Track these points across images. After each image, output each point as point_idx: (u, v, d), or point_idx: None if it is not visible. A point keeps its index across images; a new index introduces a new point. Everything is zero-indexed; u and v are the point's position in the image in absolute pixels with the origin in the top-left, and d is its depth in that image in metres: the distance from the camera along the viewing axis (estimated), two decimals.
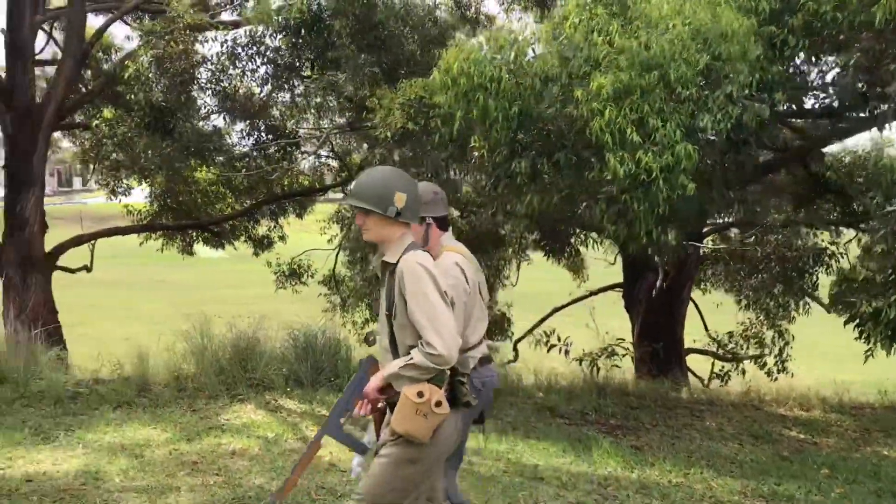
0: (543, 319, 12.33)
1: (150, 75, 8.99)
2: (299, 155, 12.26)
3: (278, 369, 7.59)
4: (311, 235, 15.25)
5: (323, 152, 13.03)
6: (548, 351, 8.98)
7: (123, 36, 12.24)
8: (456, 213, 9.47)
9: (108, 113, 10.85)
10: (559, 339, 8.91)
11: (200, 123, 9.66)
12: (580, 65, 5.51)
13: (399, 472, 2.75)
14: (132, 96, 9.12)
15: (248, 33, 8.97)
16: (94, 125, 10.73)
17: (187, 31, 8.78)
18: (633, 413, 7.77)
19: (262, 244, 14.37)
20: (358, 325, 14.16)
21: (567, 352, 8.77)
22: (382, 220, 2.82)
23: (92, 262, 12.10)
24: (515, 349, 12.93)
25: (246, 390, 7.24)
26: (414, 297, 2.68)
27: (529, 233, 9.18)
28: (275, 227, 14.16)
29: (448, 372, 2.73)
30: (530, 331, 12.47)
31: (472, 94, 5.56)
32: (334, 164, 13.34)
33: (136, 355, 7.58)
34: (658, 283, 10.92)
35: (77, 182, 64.49)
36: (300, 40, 8.90)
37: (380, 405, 2.88)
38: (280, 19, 8.82)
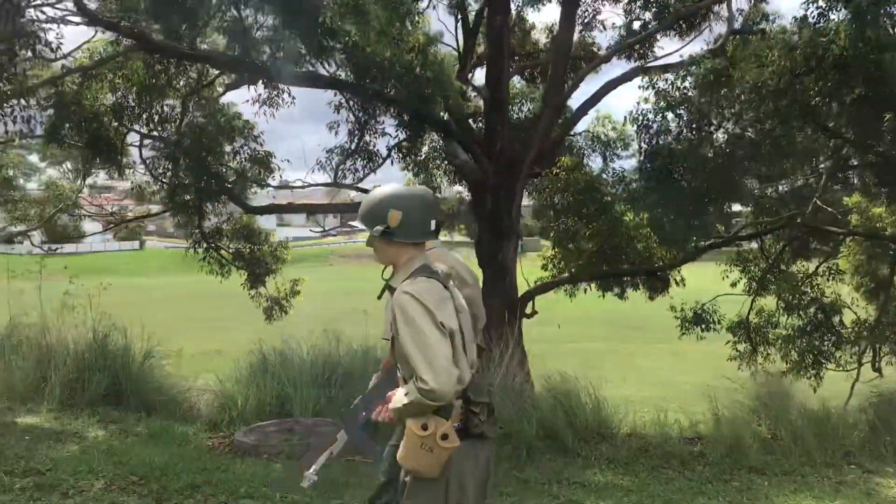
0: None
1: (657, 124, 8.80)
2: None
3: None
4: (706, 279, 14.54)
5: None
6: None
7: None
8: None
9: (566, 160, 10.91)
10: None
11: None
12: None
13: None
14: (640, 144, 9.00)
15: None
16: (553, 172, 10.82)
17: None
18: None
19: (656, 287, 13.87)
20: (776, 377, 13.16)
21: None
22: (384, 241, 2.68)
23: (533, 306, 12.23)
24: None
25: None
26: (404, 329, 2.50)
27: None
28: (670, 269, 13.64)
29: (459, 401, 2.55)
30: None
31: None
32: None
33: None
34: None
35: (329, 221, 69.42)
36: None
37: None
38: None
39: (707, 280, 14.55)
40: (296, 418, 6.72)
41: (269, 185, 11.43)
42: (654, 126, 8.88)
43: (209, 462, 5.57)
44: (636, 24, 12.52)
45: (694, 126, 8.71)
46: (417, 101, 8.50)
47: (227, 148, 11.05)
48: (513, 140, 10.52)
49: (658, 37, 13.91)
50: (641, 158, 9.07)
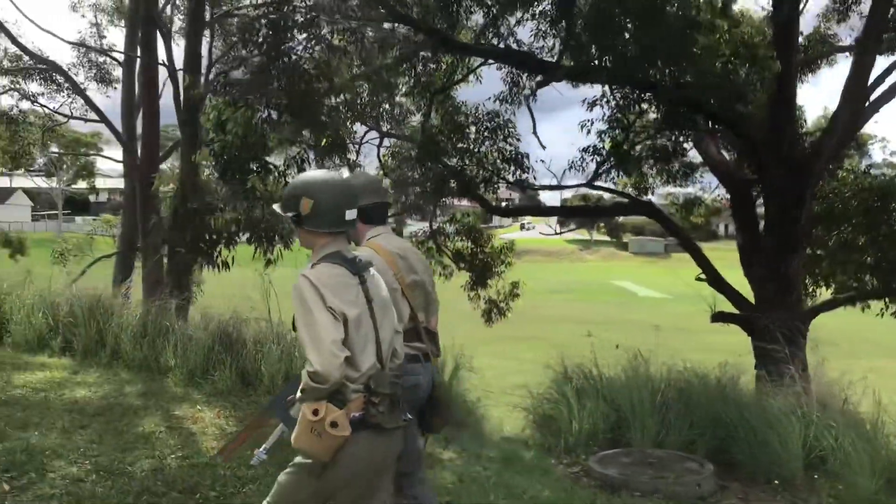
0: None
1: None
2: None
3: None
4: None
5: None
6: None
7: None
8: None
9: (853, 162, 9.79)
10: None
11: None
12: None
13: (302, 483, 2.64)
14: None
15: None
16: (838, 176, 9.74)
17: None
18: None
19: None
20: None
21: None
22: (299, 227, 2.74)
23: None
24: None
25: None
26: (298, 312, 2.57)
27: None
28: None
29: (358, 389, 2.56)
30: None
31: None
32: None
33: None
34: None
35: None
36: None
37: None
38: None
39: None
40: (640, 448, 6.10)
41: (532, 187, 10.93)
42: None
43: (599, 499, 5.05)
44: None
45: None
46: (729, 98, 7.70)
47: (482, 147, 10.64)
48: (800, 140, 9.54)
49: None
50: None
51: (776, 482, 5.61)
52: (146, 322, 8.25)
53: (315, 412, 2.48)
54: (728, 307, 10.36)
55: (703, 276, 9.83)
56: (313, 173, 2.86)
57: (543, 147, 10.50)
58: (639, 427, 6.25)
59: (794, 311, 9.29)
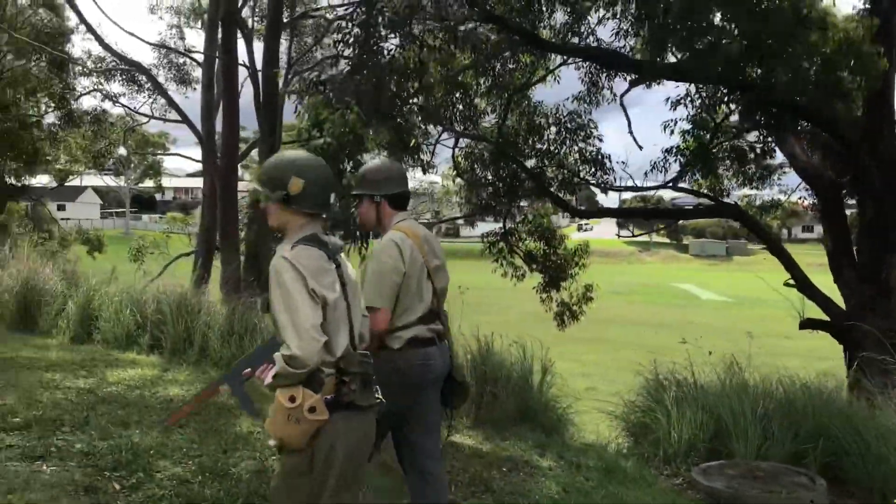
0: None
1: None
2: None
3: None
4: None
5: None
6: None
7: None
8: None
9: None
10: None
11: None
12: None
13: (293, 486, 2.60)
14: None
15: None
16: None
17: None
18: None
19: None
20: None
21: None
22: (280, 206, 2.69)
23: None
24: None
25: None
26: (276, 293, 2.52)
27: None
28: None
29: (331, 371, 2.55)
30: None
31: None
32: None
33: None
34: None
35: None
36: None
37: None
38: None
39: None
40: (745, 460, 5.87)
41: (614, 188, 10.72)
42: None
43: None
44: None
45: None
46: (830, 97, 7.38)
47: (563, 148, 10.47)
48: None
49: None
50: None
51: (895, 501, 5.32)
52: (232, 320, 8.32)
53: (292, 399, 2.47)
54: (815, 312, 9.99)
55: (791, 281, 9.47)
56: (295, 153, 2.85)
57: (640, 147, 10.26)
58: (741, 438, 6.01)
59: (892, 317, 8.88)
